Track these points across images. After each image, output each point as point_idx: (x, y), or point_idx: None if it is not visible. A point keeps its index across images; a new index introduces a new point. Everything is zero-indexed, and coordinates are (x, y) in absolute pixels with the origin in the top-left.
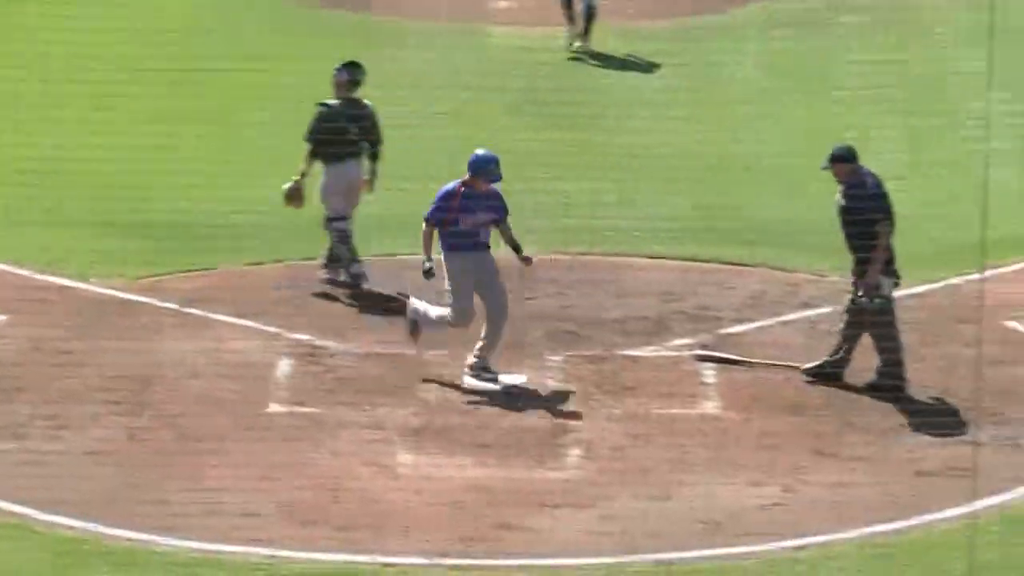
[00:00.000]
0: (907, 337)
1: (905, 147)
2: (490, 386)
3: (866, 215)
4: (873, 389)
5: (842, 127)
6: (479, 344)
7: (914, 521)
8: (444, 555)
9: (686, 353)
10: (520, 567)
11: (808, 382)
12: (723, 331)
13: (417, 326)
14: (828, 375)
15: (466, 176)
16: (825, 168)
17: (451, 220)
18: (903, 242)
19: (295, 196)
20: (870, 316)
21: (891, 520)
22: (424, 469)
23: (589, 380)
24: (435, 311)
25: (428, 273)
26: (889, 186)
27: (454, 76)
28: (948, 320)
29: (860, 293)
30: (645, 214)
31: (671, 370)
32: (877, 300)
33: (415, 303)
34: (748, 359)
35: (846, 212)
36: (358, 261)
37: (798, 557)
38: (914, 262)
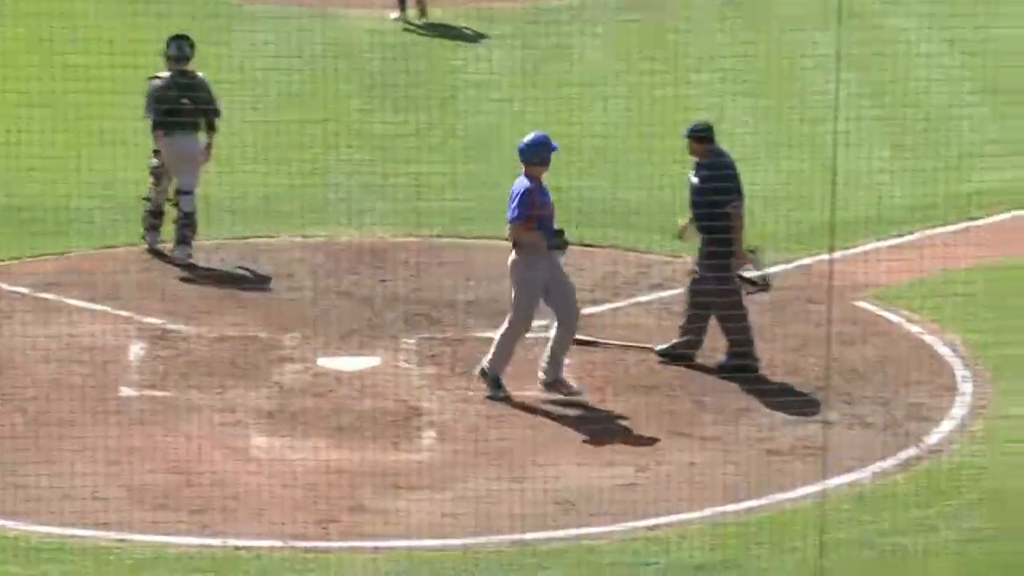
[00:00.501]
0: (760, 317)
1: (757, 128)
2: (576, 397)
3: (717, 194)
4: (723, 370)
5: (695, 108)
6: (548, 353)
7: (766, 500)
8: (299, 538)
9: (540, 335)
10: (375, 549)
11: (661, 362)
12: (587, 311)
13: (499, 381)
14: (680, 356)
15: (525, 169)
16: (684, 136)
17: (535, 217)
18: (756, 223)
19: (162, 174)
20: (714, 297)
21: (743, 499)
22: (278, 452)
23: (444, 362)
24: (497, 340)
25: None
26: (741, 167)
27: (306, 59)
28: (799, 300)
29: (745, 278)
30: (498, 195)
31: (526, 351)
32: (753, 284)
33: (485, 360)
34: (601, 340)
35: (697, 191)
36: (188, 243)
37: (652, 536)
38: (766, 242)
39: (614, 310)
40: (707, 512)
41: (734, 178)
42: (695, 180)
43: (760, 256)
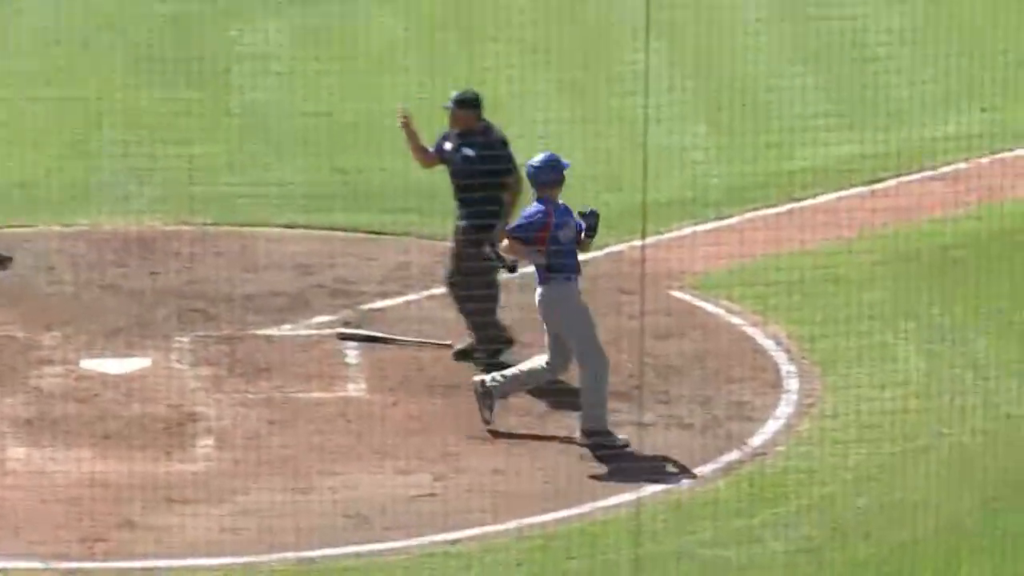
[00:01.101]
0: None
1: (564, 103)
2: (619, 445)
3: (483, 170)
4: (461, 356)
5: (493, 81)
6: (587, 406)
7: (577, 509)
8: (62, 558)
9: (326, 331)
10: (146, 570)
11: (457, 360)
12: (366, 306)
13: (491, 397)
14: (483, 353)
15: (538, 193)
16: (447, 107)
17: (545, 238)
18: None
19: None
20: (463, 282)
21: (553, 508)
22: (37, 463)
23: (221, 363)
24: (525, 366)
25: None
26: (545, 144)
27: (66, 30)
28: (610, 290)
29: (499, 253)
30: (278, 179)
31: (311, 350)
32: (503, 262)
33: (491, 376)
34: (394, 336)
35: (466, 161)
36: None
37: (452, 551)
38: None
39: (407, 303)
40: (513, 524)
41: (507, 158)
42: (468, 152)
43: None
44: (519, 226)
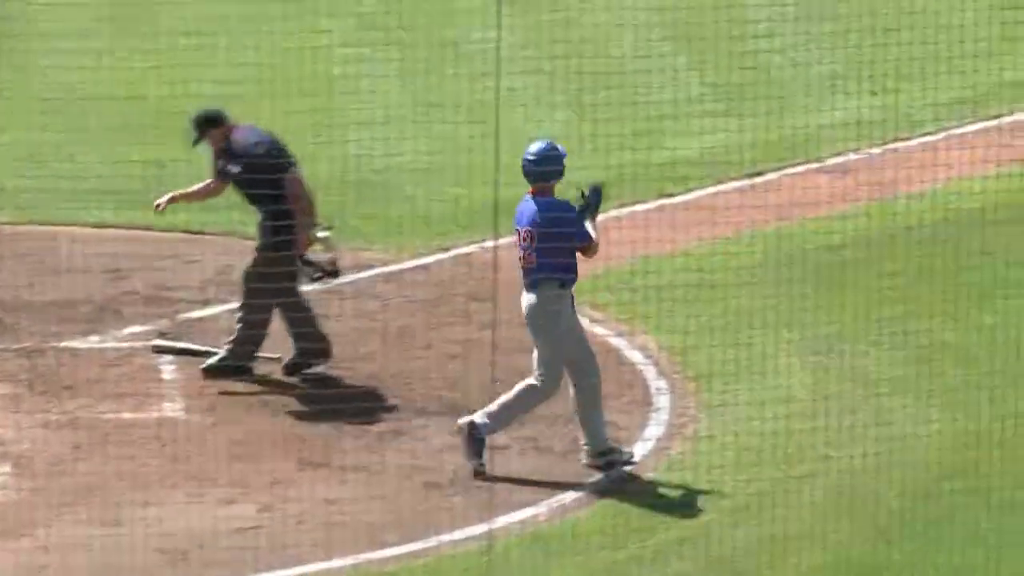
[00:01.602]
0: (411, 319)
1: (407, 85)
2: (629, 464)
3: (257, 179)
4: (291, 370)
5: (330, 60)
6: (590, 425)
7: (421, 543)
8: None
9: (140, 344)
10: None
11: (287, 374)
12: (185, 315)
13: (480, 440)
14: (306, 365)
15: (537, 187)
16: (197, 142)
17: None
18: (403, 203)
19: None
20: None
21: (394, 543)
22: None
23: (19, 379)
24: (512, 393)
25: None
26: (386, 131)
27: None
28: (459, 297)
29: (310, 261)
30: (84, 172)
31: (122, 365)
32: (321, 269)
33: (478, 416)
34: (216, 349)
35: (241, 182)
36: None
37: None
38: (420, 226)
39: (231, 312)
40: (349, 560)
41: (273, 153)
42: (233, 169)
43: (331, 237)
44: (583, 232)
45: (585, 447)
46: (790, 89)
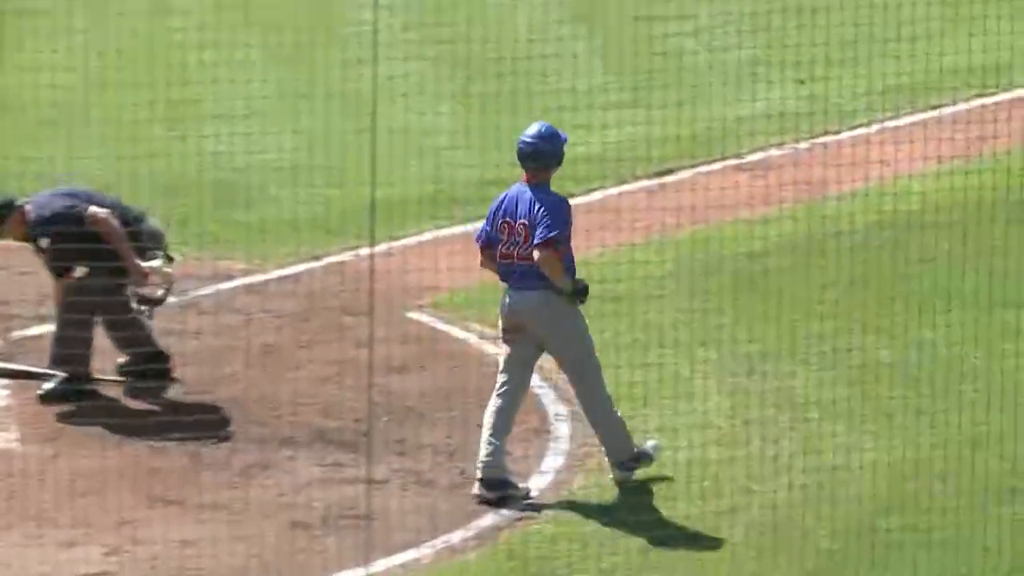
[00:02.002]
0: (277, 335)
1: (272, 72)
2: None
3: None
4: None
5: (183, 45)
6: (611, 432)
7: None
8: None
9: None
10: None
11: (135, 397)
12: (19, 333)
13: (501, 485)
14: (143, 373)
15: (533, 176)
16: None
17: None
18: (268, 205)
19: None
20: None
21: None
22: None
23: None
24: (489, 421)
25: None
26: (247, 125)
27: None
28: (330, 311)
29: (144, 297)
30: None
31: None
32: (149, 302)
33: (482, 468)
34: (55, 372)
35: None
36: None
37: None
38: (286, 231)
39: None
40: None
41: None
42: (43, 243)
43: (163, 266)
44: (565, 224)
45: (612, 463)
46: (705, 77)
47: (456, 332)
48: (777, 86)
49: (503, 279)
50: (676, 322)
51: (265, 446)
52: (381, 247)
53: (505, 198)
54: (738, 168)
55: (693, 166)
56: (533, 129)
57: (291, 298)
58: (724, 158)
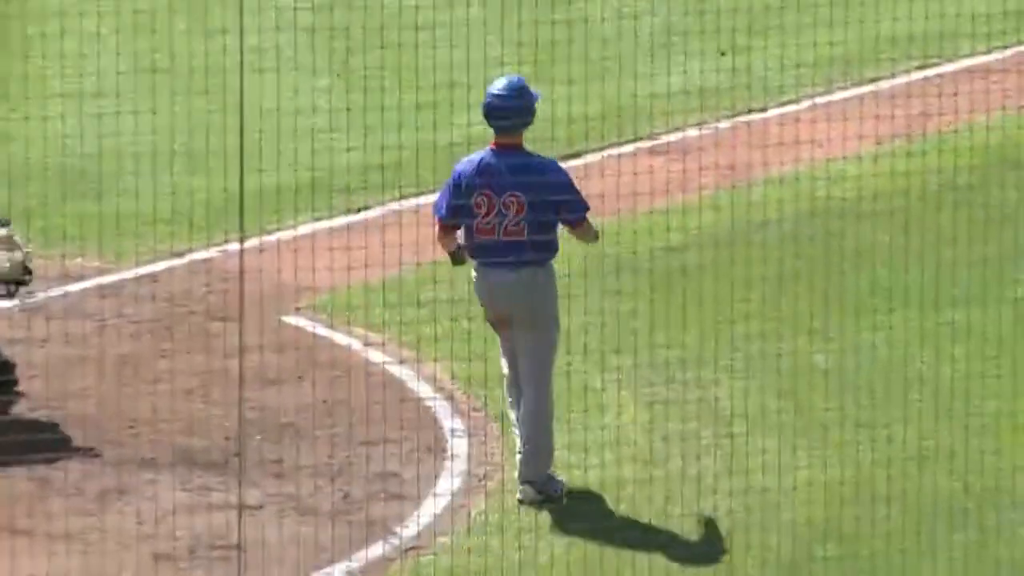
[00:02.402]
0: (132, 344)
1: (125, 44)
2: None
3: None
4: None
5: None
6: (543, 438)
7: None
8: None
9: None
10: None
11: None
12: None
13: (544, 486)
14: None
15: (505, 138)
16: None
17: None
18: (122, 196)
19: None
20: None
21: None
22: None
23: None
24: (519, 421)
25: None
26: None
27: None
28: (196, 316)
29: None
30: None
31: None
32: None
33: (520, 477)
34: None
35: None
36: None
37: None
38: (144, 225)
39: None
40: None
41: None
42: None
43: (12, 234)
44: (582, 201)
45: (525, 485)
46: (614, 48)
47: (338, 338)
48: (695, 58)
49: (475, 256)
50: (585, 326)
51: (122, 469)
52: (252, 243)
53: (478, 167)
54: (652, 151)
55: (601, 149)
56: (502, 83)
57: (149, 301)
58: (636, 139)
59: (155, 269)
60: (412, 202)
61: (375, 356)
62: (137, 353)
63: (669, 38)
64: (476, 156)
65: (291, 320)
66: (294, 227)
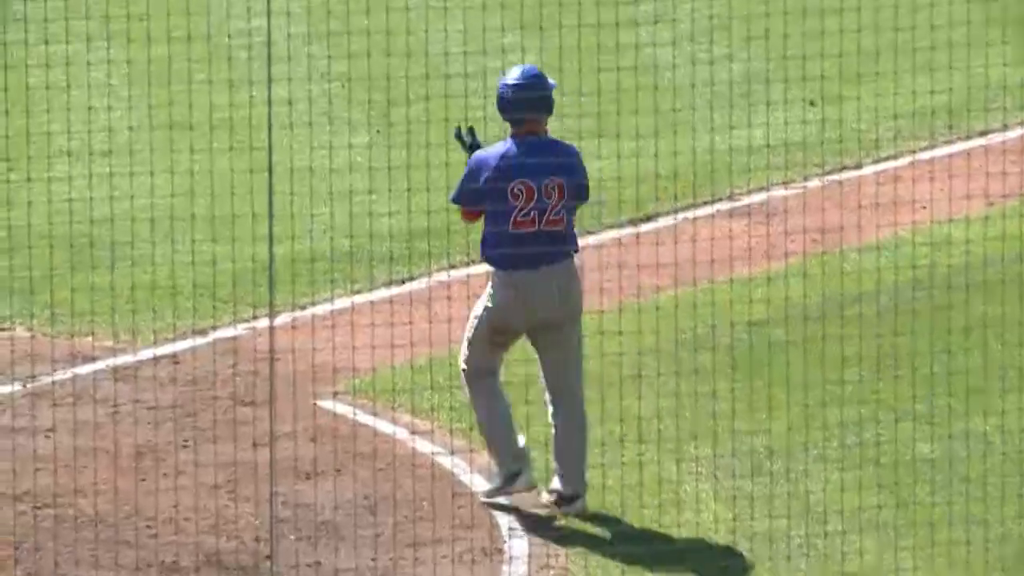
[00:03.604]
0: (157, 434)
1: (137, 92)
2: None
3: None
4: None
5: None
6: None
7: None
8: None
9: None
10: None
11: None
12: None
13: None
14: None
15: (522, 128)
16: None
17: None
18: (137, 266)
19: None
20: None
21: None
22: None
23: None
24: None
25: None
26: (118, 165)
27: None
28: (222, 400)
29: None
30: None
31: None
32: None
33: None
34: None
35: None
36: None
37: None
38: (162, 299)
39: None
40: None
41: None
42: None
43: None
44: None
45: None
46: (687, 98)
47: (381, 426)
48: (780, 108)
49: (506, 258)
50: (659, 411)
51: (141, 574)
52: (283, 318)
53: (511, 154)
54: (732, 214)
55: (675, 211)
56: (517, 71)
57: (169, 385)
58: (714, 200)
59: (175, 349)
60: (462, 272)
61: (423, 446)
62: (156, 443)
63: (750, 86)
64: (497, 147)
65: (328, 405)
66: (330, 301)
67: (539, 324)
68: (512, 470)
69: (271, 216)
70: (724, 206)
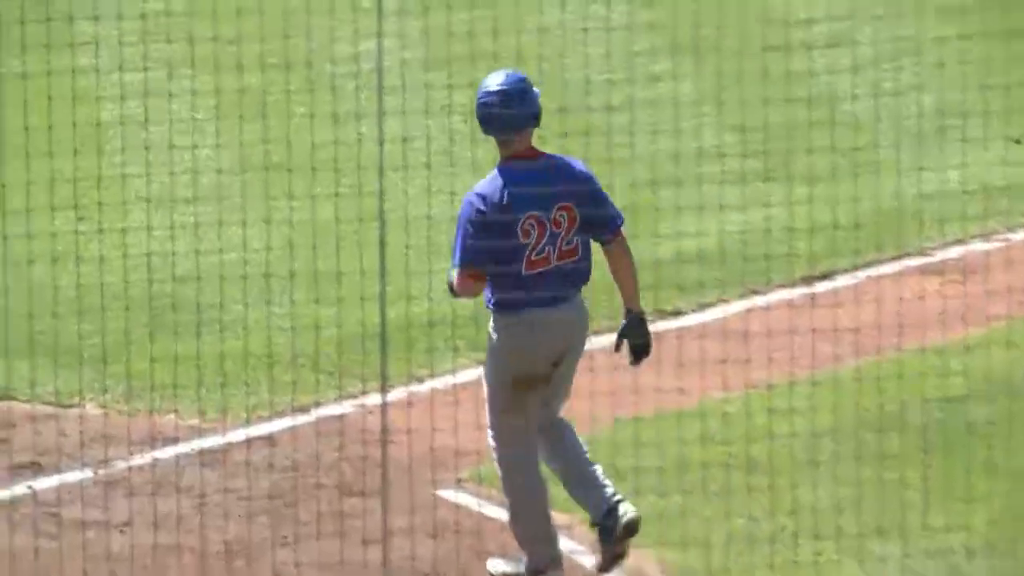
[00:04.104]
0: (250, 529)
1: (224, 137)
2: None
3: None
4: None
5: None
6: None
7: None
8: None
9: None
10: None
11: None
12: None
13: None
14: None
15: (512, 146)
16: None
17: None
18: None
19: None
20: None
21: None
22: None
23: None
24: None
25: None
26: (205, 214)
27: None
28: (328, 489)
29: None
30: None
31: None
32: None
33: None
34: None
35: None
36: None
37: None
38: (257, 370)
39: None
40: None
41: None
42: None
43: None
44: (617, 211)
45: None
46: (870, 135)
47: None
48: (979, 147)
49: (518, 303)
50: (838, 502)
51: None
52: (398, 393)
53: (505, 190)
54: (923, 270)
55: (856, 268)
56: (498, 78)
57: (265, 472)
58: (902, 255)
59: (271, 429)
60: (604, 339)
61: (568, 543)
62: (249, 540)
63: (943, 121)
64: (491, 181)
65: (450, 495)
66: (452, 372)
67: (556, 360)
68: (539, 567)
69: (383, 273)
70: (914, 262)
